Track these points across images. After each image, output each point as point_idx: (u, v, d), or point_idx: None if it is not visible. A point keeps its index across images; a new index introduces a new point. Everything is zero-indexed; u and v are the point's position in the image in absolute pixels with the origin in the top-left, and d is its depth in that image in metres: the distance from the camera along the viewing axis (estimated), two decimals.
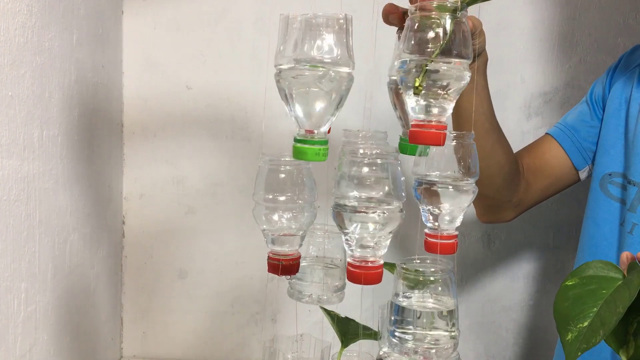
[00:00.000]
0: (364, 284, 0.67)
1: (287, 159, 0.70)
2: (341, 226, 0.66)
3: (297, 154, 0.65)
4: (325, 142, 0.66)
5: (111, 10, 1.28)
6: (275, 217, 0.70)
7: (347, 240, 0.67)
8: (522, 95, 1.34)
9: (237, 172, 1.36)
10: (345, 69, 0.64)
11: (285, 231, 0.70)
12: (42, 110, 0.98)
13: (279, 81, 0.65)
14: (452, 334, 0.71)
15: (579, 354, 0.55)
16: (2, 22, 0.86)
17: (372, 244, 0.66)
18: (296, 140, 0.66)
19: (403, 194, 0.67)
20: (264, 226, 0.70)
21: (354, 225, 0.65)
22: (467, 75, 0.64)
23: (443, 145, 0.65)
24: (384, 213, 0.65)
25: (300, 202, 0.70)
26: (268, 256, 0.71)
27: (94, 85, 1.19)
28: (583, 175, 1.07)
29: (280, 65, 0.65)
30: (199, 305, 1.40)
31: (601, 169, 1.01)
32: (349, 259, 0.67)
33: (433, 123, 0.64)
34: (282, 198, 0.69)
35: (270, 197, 0.69)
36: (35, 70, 0.95)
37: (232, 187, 1.36)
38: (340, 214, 0.65)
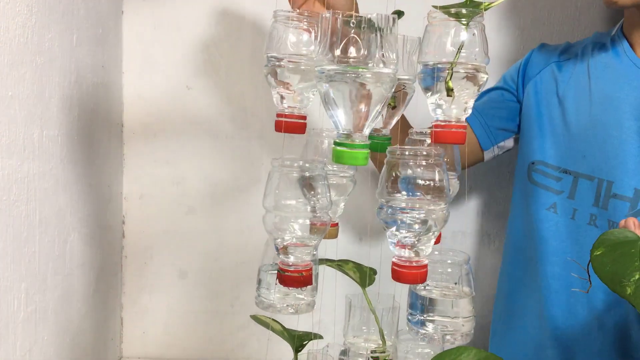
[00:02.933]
0: (409, 283, 0.67)
1: (300, 164, 0.67)
2: (387, 226, 0.66)
3: (348, 158, 0.63)
4: (368, 145, 0.65)
5: (111, 10, 1.28)
6: (287, 225, 0.67)
7: (392, 240, 0.66)
8: None
9: (237, 172, 1.36)
10: (391, 70, 0.63)
11: (297, 240, 0.67)
12: (42, 110, 0.98)
13: (322, 83, 0.63)
14: (469, 320, 0.73)
15: None
16: (2, 22, 0.86)
17: (418, 244, 0.66)
18: (339, 144, 0.63)
19: (449, 194, 0.66)
20: (275, 235, 0.67)
21: (400, 225, 0.65)
22: (485, 77, 0.65)
23: (464, 143, 0.66)
24: (431, 214, 0.65)
25: (314, 209, 0.66)
26: (280, 267, 0.68)
27: (94, 85, 1.19)
28: (488, 156, 1.14)
29: (323, 66, 0.62)
30: (199, 305, 1.40)
31: (525, 158, 1.07)
32: (393, 259, 0.66)
33: (453, 123, 0.65)
34: (294, 205, 0.66)
35: (282, 204, 0.66)
36: (35, 70, 0.95)
37: (232, 187, 1.36)
38: (387, 214, 0.65)
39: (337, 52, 0.62)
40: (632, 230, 0.70)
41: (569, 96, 1.03)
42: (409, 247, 0.65)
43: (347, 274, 0.81)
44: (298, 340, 0.81)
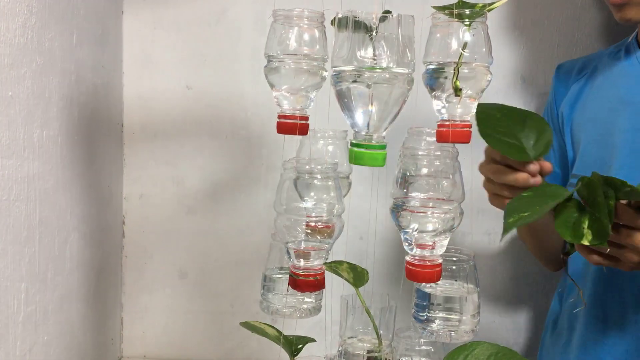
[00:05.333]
0: (425, 282, 0.67)
1: (312, 167, 0.66)
2: (401, 226, 0.66)
3: (368, 160, 0.63)
4: (385, 146, 0.65)
5: (111, 10, 1.28)
6: (299, 229, 0.66)
7: (406, 239, 0.66)
8: (522, 95, 1.34)
9: (237, 172, 1.36)
10: (408, 70, 0.62)
11: (310, 244, 0.66)
12: (42, 110, 0.98)
13: (341, 84, 0.62)
14: (474, 316, 0.73)
15: (513, 228, 0.68)
16: (2, 22, 0.86)
17: (431, 244, 0.66)
18: (358, 146, 0.63)
19: (463, 194, 0.66)
20: (287, 238, 0.66)
21: (414, 225, 0.65)
22: (489, 77, 0.66)
23: (469, 142, 0.66)
24: (444, 213, 0.64)
25: (327, 212, 0.66)
26: (291, 272, 0.67)
27: (94, 85, 1.19)
28: None
29: (341, 67, 0.62)
30: (199, 305, 1.40)
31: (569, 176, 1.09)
32: (407, 258, 0.67)
33: (458, 122, 0.65)
34: (306, 208, 0.65)
35: (294, 207, 0.65)
36: (35, 70, 0.95)
37: (232, 187, 1.36)
38: (400, 214, 0.65)
39: (358, 53, 0.61)
40: None
41: (591, 107, 1.04)
42: (428, 247, 0.65)
43: (340, 275, 0.80)
44: (294, 345, 0.80)
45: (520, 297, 1.39)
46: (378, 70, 0.61)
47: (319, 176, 0.66)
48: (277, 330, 0.81)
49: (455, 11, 0.63)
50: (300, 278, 0.67)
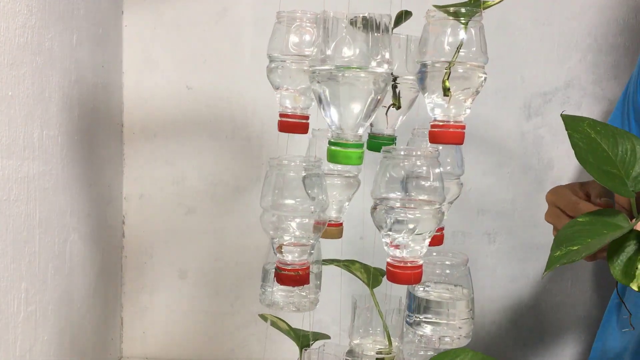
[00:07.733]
0: (404, 284, 0.67)
1: (297, 163, 0.67)
2: (380, 226, 0.66)
3: (342, 158, 0.63)
4: (362, 145, 0.65)
5: (111, 10, 1.28)
6: (284, 224, 0.66)
7: (386, 240, 0.66)
8: (522, 95, 1.34)
9: (237, 172, 1.36)
10: (384, 69, 0.63)
11: (295, 240, 0.67)
12: (42, 110, 0.98)
13: (315, 83, 0.63)
14: (467, 322, 0.73)
15: (557, 265, 0.62)
16: (2, 22, 0.86)
17: (411, 244, 0.65)
18: (334, 144, 0.63)
19: (444, 194, 0.66)
20: (272, 234, 0.67)
21: (394, 225, 0.65)
22: (483, 76, 0.65)
23: (462, 144, 0.66)
24: (425, 214, 0.64)
25: (311, 208, 0.67)
26: (277, 266, 0.68)
27: (94, 85, 1.19)
28: None
29: (316, 66, 0.63)
30: (199, 305, 1.40)
31: None
32: (388, 259, 0.66)
33: (451, 123, 0.65)
34: (292, 204, 0.66)
35: (279, 203, 0.66)
36: (35, 70, 0.95)
37: (232, 187, 1.36)
38: (380, 214, 0.65)
39: (329, 51, 0.62)
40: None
41: None
42: (402, 247, 0.65)
43: (355, 274, 0.81)
44: (304, 340, 0.81)
45: (520, 297, 1.39)
46: (351, 69, 0.61)
47: (303, 173, 0.67)
48: (288, 325, 0.82)
49: (451, 9, 0.63)
50: (284, 272, 0.68)
